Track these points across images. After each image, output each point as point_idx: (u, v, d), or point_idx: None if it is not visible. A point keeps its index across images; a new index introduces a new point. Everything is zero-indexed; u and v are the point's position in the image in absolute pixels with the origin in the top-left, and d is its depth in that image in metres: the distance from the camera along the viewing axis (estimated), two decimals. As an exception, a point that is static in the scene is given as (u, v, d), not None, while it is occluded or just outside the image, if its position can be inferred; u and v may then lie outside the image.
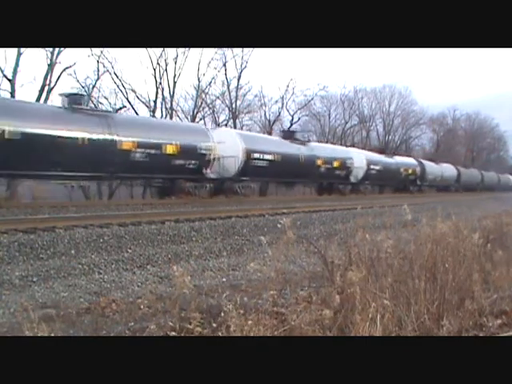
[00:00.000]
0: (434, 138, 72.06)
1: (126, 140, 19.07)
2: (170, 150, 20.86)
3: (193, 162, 22.05)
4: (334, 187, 33.11)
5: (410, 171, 43.17)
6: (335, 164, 32.34)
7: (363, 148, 45.52)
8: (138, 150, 19.42)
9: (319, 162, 30.72)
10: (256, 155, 25.54)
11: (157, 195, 22.98)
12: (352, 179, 34.29)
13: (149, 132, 20.56)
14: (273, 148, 27.40)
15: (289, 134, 32.03)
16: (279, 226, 4.58)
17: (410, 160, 46.55)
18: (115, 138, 18.74)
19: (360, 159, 34.84)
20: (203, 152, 22.69)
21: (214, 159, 23.47)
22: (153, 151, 19.93)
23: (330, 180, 32.57)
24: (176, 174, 21.50)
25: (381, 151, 43.81)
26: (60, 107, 18.95)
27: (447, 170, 52.10)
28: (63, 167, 16.99)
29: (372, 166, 36.40)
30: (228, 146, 24.14)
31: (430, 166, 47.90)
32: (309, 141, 36.12)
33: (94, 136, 18.01)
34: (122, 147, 18.87)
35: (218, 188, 24.16)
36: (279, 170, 27.06)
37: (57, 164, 16.78)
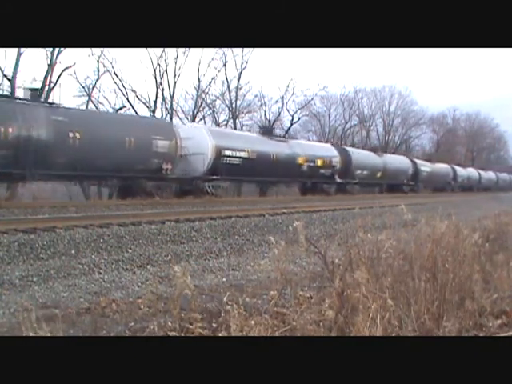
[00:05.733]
0: (434, 138, 72.08)
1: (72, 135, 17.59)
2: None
3: (150, 160, 20.30)
4: (319, 187, 31.16)
5: (400, 171, 40.98)
6: (319, 162, 30.51)
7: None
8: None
9: (300, 160, 28.84)
10: (227, 152, 23.58)
11: (118, 196, 21.10)
12: (337, 179, 32.33)
13: (98, 126, 18.80)
14: (247, 145, 25.37)
15: (267, 131, 30.03)
16: (286, 228, 4.58)
17: (402, 159, 44.09)
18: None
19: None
20: (162, 150, 20.78)
21: (178, 157, 21.63)
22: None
23: (314, 179, 30.72)
24: (132, 172, 19.80)
25: (371, 150, 41.40)
26: None
27: (442, 169, 50.19)
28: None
29: (359, 167, 34.46)
30: (196, 142, 22.43)
31: (423, 164, 45.64)
32: (289, 138, 34.10)
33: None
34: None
35: (185, 188, 22.47)
36: (254, 169, 25.12)
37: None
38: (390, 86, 61.74)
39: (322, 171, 30.67)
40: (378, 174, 37.23)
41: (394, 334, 3.67)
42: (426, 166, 45.79)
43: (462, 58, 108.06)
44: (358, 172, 34.29)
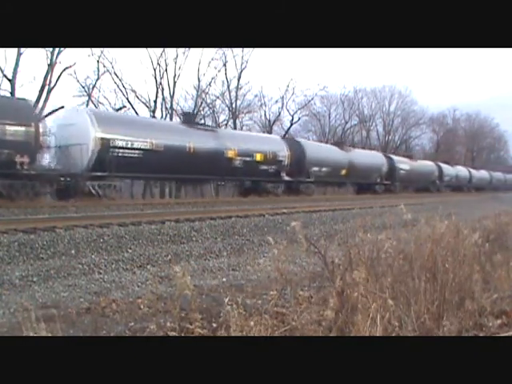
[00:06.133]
0: (434, 138, 72.16)
1: None
2: None
3: None
4: (261, 187, 25.92)
5: (372, 168, 35.64)
6: (258, 157, 25.33)
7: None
8: None
9: (230, 153, 23.82)
10: (120, 143, 18.65)
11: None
12: (285, 177, 27.13)
13: None
14: (151, 134, 20.28)
15: (189, 118, 24.28)
16: (288, 228, 4.58)
17: (374, 154, 39.19)
18: None
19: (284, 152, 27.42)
20: (13, 138, 16.06)
21: (42, 147, 17.39)
22: None
23: (254, 177, 25.57)
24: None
25: (336, 143, 36.13)
26: None
27: (425, 166, 45.58)
28: None
29: (315, 163, 28.93)
30: (76, 129, 17.94)
31: (401, 161, 40.88)
32: (218, 127, 28.86)
33: None
34: None
35: (61, 188, 17.74)
36: (161, 164, 20.11)
37: None
38: (390, 86, 62.04)
39: (263, 167, 25.79)
40: (343, 172, 32.03)
41: (394, 334, 3.68)
42: (404, 164, 40.99)
43: (461, 58, 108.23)
44: (315, 169, 29.06)
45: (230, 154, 23.90)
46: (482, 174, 61.96)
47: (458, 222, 5.99)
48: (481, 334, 4.30)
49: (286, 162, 27.27)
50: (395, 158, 40.95)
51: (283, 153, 27.16)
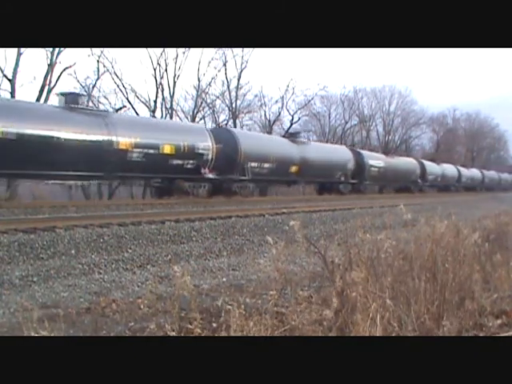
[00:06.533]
0: (434, 138, 72.16)
1: None
2: None
3: None
4: (175, 186, 20.74)
5: (334, 165, 30.28)
6: (166, 149, 19.85)
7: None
8: None
9: (123, 144, 18.34)
10: None
11: None
12: (208, 174, 21.65)
13: None
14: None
15: (71, 98, 18.50)
16: (287, 227, 4.58)
17: (337, 149, 33.99)
18: None
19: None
20: None
21: None
22: None
23: (164, 174, 20.43)
24: None
25: (288, 135, 30.67)
26: None
27: (405, 164, 40.63)
28: None
29: (253, 158, 23.70)
30: None
31: (373, 157, 35.84)
32: (109, 111, 23.12)
33: None
34: None
35: None
36: (15, 157, 15.12)
37: None
38: (390, 86, 61.91)
39: (175, 162, 20.36)
40: (293, 169, 26.85)
41: (394, 334, 3.68)
42: (377, 160, 35.79)
43: (461, 58, 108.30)
44: (253, 165, 23.92)
45: (124, 144, 18.36)
46: (472, 172, 57.45)
47: (457, 222, 5.99)
48: (481, 334, 4.31)
49: (210, 156, 21.68)
50: (365, 153, 35.82)
51: (205, 145, 21.52)
